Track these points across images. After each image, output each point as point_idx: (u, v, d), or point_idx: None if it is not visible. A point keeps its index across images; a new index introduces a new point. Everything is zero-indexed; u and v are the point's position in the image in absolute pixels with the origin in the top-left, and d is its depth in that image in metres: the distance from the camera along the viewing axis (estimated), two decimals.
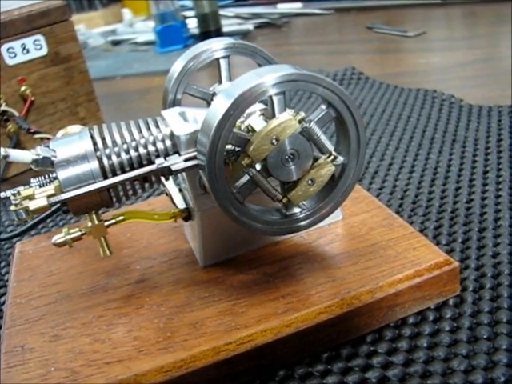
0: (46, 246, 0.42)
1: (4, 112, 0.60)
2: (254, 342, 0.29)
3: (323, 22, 1.11)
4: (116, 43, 1.20)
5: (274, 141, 0.28)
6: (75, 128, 0.37)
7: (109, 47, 1.18)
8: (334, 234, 0.36)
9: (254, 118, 0.30)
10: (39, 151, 0.31)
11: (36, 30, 0.62)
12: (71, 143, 0.32)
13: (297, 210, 0.31)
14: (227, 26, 1.07)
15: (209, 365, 0.29)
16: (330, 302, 0.31)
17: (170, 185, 0.37)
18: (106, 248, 0.34)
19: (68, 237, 0.33)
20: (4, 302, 0.41)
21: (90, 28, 1.27)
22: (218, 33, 1.00)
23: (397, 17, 1.05)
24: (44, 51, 0.63)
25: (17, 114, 0.60)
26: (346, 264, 0.33)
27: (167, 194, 0.38)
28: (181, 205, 0.36)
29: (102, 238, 0.34)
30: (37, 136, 0.59)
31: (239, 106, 0.27)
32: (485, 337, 0.30)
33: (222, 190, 0.29)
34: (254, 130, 0.29)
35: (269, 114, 0.30)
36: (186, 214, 0.36)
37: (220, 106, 0.28)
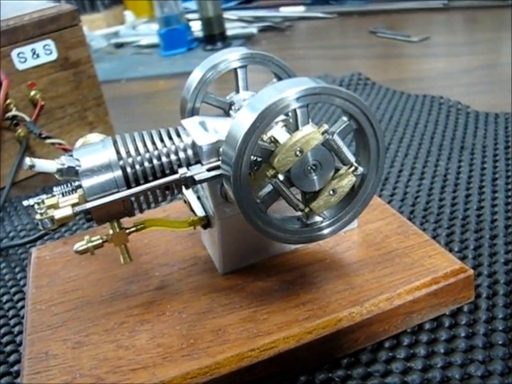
0: (63, 251, 0.43)
1: (14, 117, 0.60)
2: (277, 348, 0.30)
3: (326, 26, 1.11)
4: (119, 46, 1.20)
5: (298, 152, 0.29)
6: (94, 137, 0.37)
7: (112, 50, 1.18)
8: (351, 242, 0.37)
9: (276, 130, 0.31)
10: (64, 161, 0.32)
11: (46, 34, 0.62)
12: (95, 152, 0.33)
13: (318, 219, 0.32)
14: (231, 29, 1.07)
15: (233, 371, 0.29)
16: (350, 309, 0.31)
17: (188, 192, 0.38)
18: (126, 255, 0.35)
19: (90, 244, 0.34)
20: (21, 308, 0.42)
21: (92, 30, 1.27)
22: (222, 36, 1.00)
23: (398, 21, 1.06)
24: (54, 56, 0.63)
25: (28, 118, 0.60)
26: (364, 271, 0.34)
27: (185, 202, 0.38)
28: (200, 212, 0.36)
29: (123, 246, 0.34)
30: (48, 141, 0.59)
31: (265, 119, 0.28)
32: (500, 343, 0.31)
33: (246, 199, 0.29)
34: (276, 141, 0.30)
35: (291, 125, 0.31)
36: (205, 222, 0.36)
37: (246, 118, 0.28)
